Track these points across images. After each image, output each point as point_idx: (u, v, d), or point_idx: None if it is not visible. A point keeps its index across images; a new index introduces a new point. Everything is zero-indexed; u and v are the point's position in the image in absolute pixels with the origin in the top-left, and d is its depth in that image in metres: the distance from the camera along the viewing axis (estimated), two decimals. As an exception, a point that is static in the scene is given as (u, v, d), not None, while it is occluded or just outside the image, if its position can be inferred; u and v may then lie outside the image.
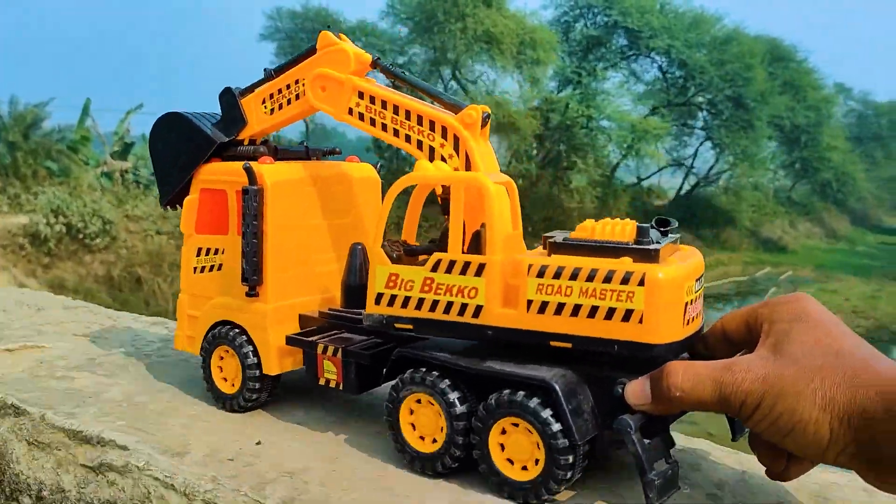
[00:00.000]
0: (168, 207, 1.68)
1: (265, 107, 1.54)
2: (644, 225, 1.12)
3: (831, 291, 17.90)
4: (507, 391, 1.12)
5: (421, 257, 1.28)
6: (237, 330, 1.51)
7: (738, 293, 17.71)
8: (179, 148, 1.60)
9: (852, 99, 36.25)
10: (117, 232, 13.89)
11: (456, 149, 1.33)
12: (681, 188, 25.59)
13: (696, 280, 1.14)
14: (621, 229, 1.14)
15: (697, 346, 1.16)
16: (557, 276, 1.10)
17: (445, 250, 1.20)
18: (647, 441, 1.04)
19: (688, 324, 1.11)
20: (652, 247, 1.09)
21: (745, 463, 1.29)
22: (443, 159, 1.34)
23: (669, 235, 1.18)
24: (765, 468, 1.12)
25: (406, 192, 1.32)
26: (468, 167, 1.33)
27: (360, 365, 1.35)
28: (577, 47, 22.65)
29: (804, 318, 1.02)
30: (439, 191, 1.33)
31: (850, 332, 1.02)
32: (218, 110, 1.59)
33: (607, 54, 23.08)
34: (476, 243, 1.19)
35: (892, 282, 19.71)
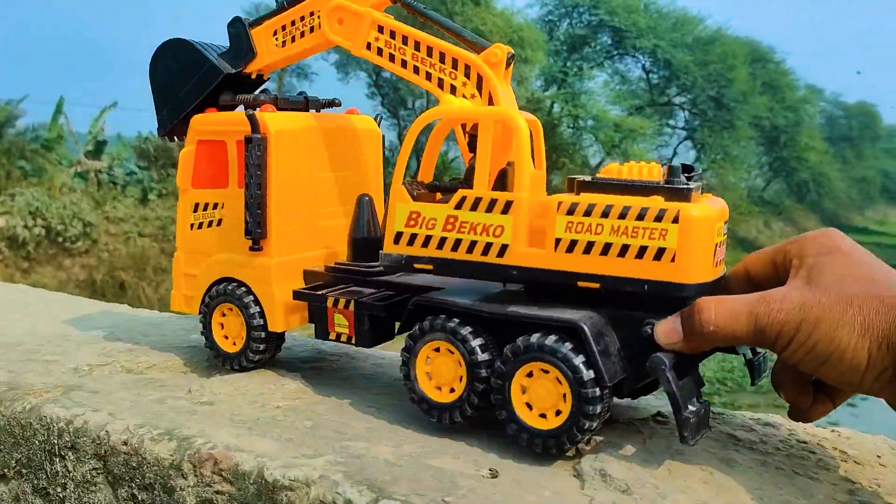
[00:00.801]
0: (166, 139, 1.61)
1: (276, 39, 1.48)
2: (675, 165, 1.10)
3: None
4: (536, 334, 1.08)
5: (439, 196, 1.24)
6: (240, 286, 1.45)
7: None
8: (183, 76, 1.52)
9: (823, 100, 36.90)
10: (98, 235, 13.52)
11: (479, 88, 1.29)
12: None
13: (724, 223, 1.12)
14: (649, 170, 1.12)
15: (720, 292, 1.14)
16: (588, 213, 1.06)
17: (470, 187, 1.16)
18: (680, 381, 1.02)
19: (716, 265, 1.09)
20: (684, 186, 1.06)
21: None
22: (464, 98, 1.30)
23: (694, 179, 1.15)
24: (788, 408, 1.11)
25: (424, 132, 1.27)
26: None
27: (374, 316, 1.30)
28: (561, 46, 22.64)
29: (835, 251, 1.01)
30: (462, 131, 1.29)
31: (880, 262, 1.00)
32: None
33: (592, 53, 23.16)
34: (502, 182, 1.16)
35: None
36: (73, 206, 13.39)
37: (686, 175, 1.13)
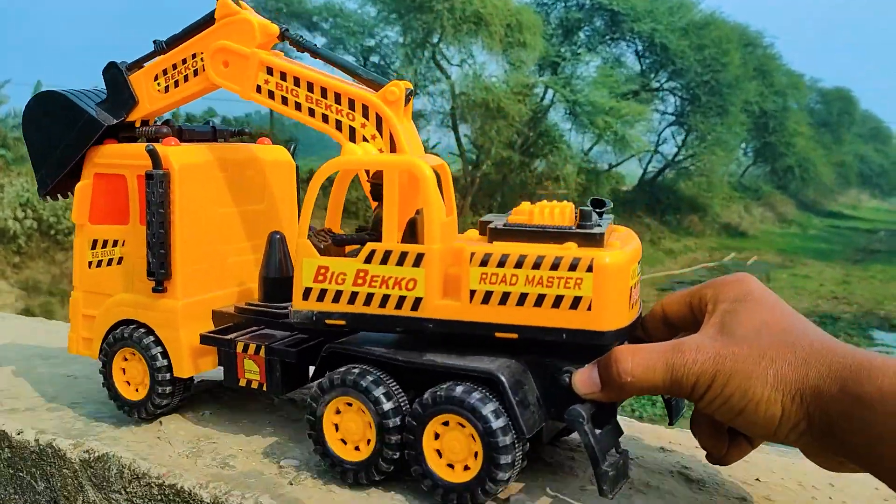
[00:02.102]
0: (48, 199, 1.51)
1: (158, 84, 1.39)
2: (585, 208, 1.08)
3: (804, 277, 18.57)
4: (443, 386, 1.06)
5: (348, 248, 1.20)
6: (143, 330, 1.38)
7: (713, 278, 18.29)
8: (59, 133, 1.42)
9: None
10: None
11: (379, 129, 1.25)
12: (644, 174, 25.85)
13: (637, 263, 1.12)
14: (560, 212, 1.10)
15: (637, 331, 1.14)
16: (502, 264, 1.04)
17: (378, 239, 1.12)
18: (598, 431, 1.01)
19: (632, 308, 1.09)
20: (596, 231, 1.05)
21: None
22: (365, 140, 1.26)
23: (605, 217, 1.15)
24: (705, 453, 1.12)
25: (328, 179, 1.23)
26: (393, 148, 1.25)
27: (286, 363, 1.25)
28: (556, 30, 22.24)
29: (748, 297, 1.02)
30: (366, 176, 1.25)
31: (792, 310, 1.02)
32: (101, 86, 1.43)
33: (588, 37, 22.91)
34: (412, 231, 1.12)
35: (854, 266, 20.77)
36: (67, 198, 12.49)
37: (597, 210, 1.12)
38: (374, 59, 21.30)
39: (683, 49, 22.32)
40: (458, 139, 19.72)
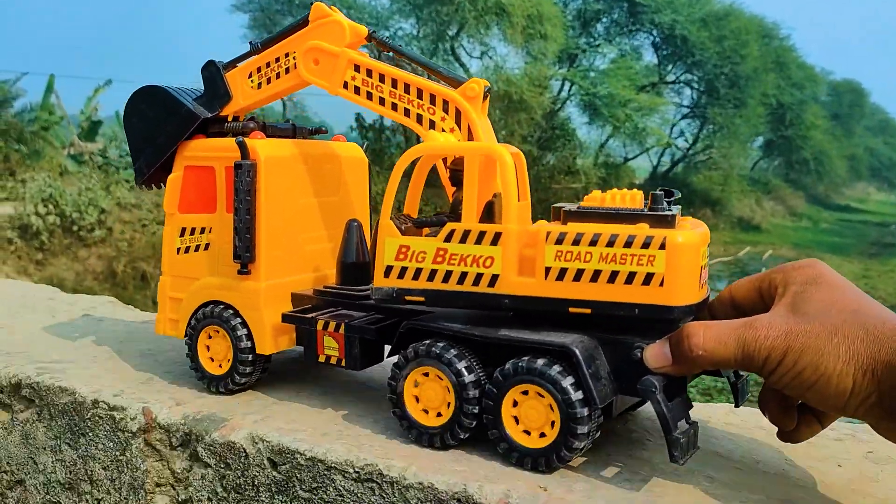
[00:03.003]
0: (144, 187, 1.62)
1: (252, 81, 1.49)
2: (657, 192, 1.14)
3: None
4: (525, 358, 1.12)
5: (426, 230, 1.27)
6: (228, 309, 1.46)
7: (732, 274, 17.70)
8: (159, 124, 1.53)
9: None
10: (113, 222, 12.51)
11: (458, 122, 1.32)
12: (656, 167, 25.44)
13: (707, 245, 1.17)
14: (631, 197, 1.16)
15: (704, 315, 1.18)
16: (577, 242, 1.10)
17: (457, 221, 1.19)
18: (669, 402, 1.05)
19: (702, 287, 1.13)
20: (668, 213, 1.10)
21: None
22: (443, 132, 1.33)
23: (674, 206, 1.20)
24: (776, 430, 1.15)
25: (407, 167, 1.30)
26: (470, 141, 1.32)
27: (364, 340, 1.32)
28: (574, 21, 21.87)
29: (819, 280, 1.05)
30: (444, 164, 1.32)
31: (863, 293, 1.05)
32: (199, 85, 1.54)
33: (607, 29, 22.44)
34: (489, 214, 1.19)
35: (871, 259, 20.18)
36: (89, 193, 12.32)
37: (666, 200, 1.18)
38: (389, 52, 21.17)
39: (703, 40, 21.86)
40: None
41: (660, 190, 1.19)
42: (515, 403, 1.13)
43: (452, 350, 1.17)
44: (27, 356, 1.68)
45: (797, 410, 1.13)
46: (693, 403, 1.15)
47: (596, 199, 1.18)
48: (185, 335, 1.51)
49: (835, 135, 32.42)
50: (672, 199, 1.19)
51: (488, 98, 1.36)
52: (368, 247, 1.43)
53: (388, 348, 1.32)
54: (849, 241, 24.51)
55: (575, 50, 21.00)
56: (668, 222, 1.09)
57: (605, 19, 22.84)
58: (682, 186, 24.14)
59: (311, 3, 1.46)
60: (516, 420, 1.13)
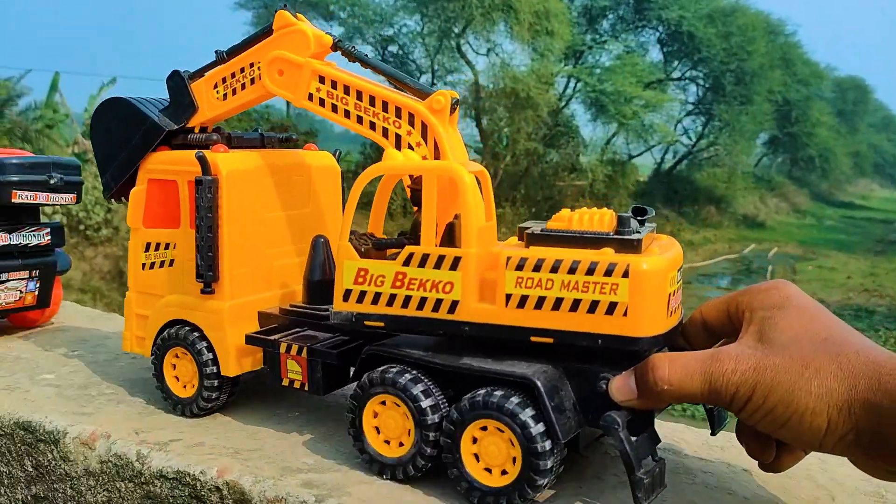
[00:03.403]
0: (113, 200, 1.58)
1: (217, 91, 1.44)
2: (624, 214, 1.08)
3: (830, 269, 17.94)
4: (481, 392, 1.07)
5: (389, 251, 1.22)
6: (192, 330, 1.42)
7: (738, 272, 17.56)
8: (124, 136, 1.49)
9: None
10: (119, 221, 12.48)
11: (424, 136, 1.27)
12: (660, 164, 25.24)
13: (678, 270, 1.11)
14: (599, 219, 1.10)
15: (677, 338, 1.13)
16: (537, 268, 1.05)
17: (417, 243, 1.14)
18: (634, 438, 1.01)
19: (670, 315, 1.08)
20: (633, 237, 1.05)
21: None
22: (410, 148, 1.28)
23: (647, 224, 1.14)
24: (756, 461, 1.10)
25: (372, 183, 1.25)
26: (437, 155, 1.27)
27: (327, 364, 1.28)
28: (580, 18, 21.69)
29: (787, 304, 1.00)
30: (408, 181, 1.27)
31: (834, 317, 0.99)
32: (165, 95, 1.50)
33: (613, 25, 22.27)
34: (450, 236, 1.14)
35: (878, 257, 20.03)
36: (95, 191, 12.02)
37: (639, 218, 1.12)
38: (393, 48, 20.84)
39: (710, 37, 21.58)
40: (481, 131, 19.36)
41: (632, 208, 1.14)
42: (475, 440, 1.08)
43: (407, 374, 1.12)
44: None
45: (775, 440, 1.08)
46: (660, 438, 1.10)
47: (563, 219, 1.12)
48: (151, 354, 1.47)
49: (839, 132, 32.13)
50: (644, 217, 1.14)
51: (457, 110, 1.31)
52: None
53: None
54: (854, 239, 24.32)
55: (581, 46, 20.77)
56: (633, 247, 1.04)
57: (611, 15, 22.59)
58: (686, 183, 23.94)
59: (276, 10, 1.40)
60: (476, 457, 1.08)
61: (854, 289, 15.65)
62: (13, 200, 1.75)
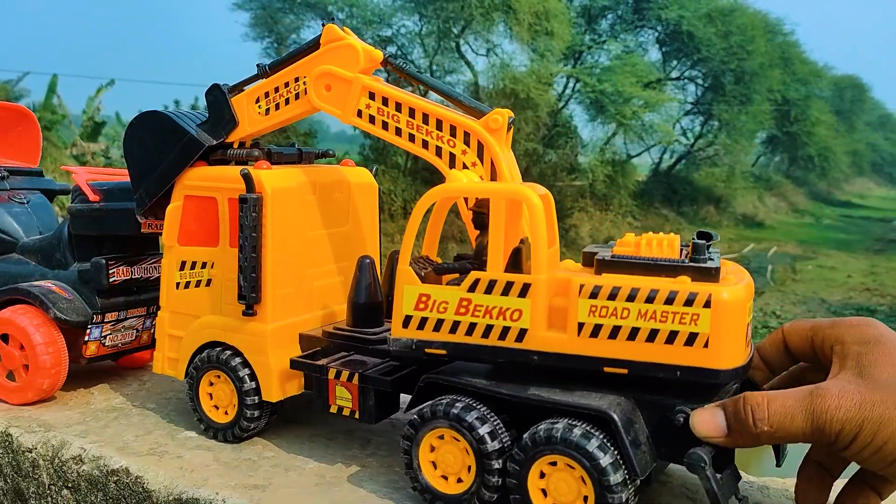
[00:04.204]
0: (145, 218, 1.52)
1: (259, 106, 1.40)
2: (698, 241, 1.05)
3: (830, 268, 17.84)
4: (543, 426, 1.02)
5: (447, 277, 1.18)
6: (231, 352, 1.37)
7: None
8: (160, 151, 1.43)
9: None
10: None
11: (480, 156, 1.23)
12: (658, 164, 25.27)
13: (752, 300, 1.08)
14: (668, 244, 1.07)
15: (754, 370, 1.10)
16: (613, 297, 1.01)
17: (481, 268, 1.10)
18: (719, 476, 0.97)
19: (747, 346, 1.04)
20: (711, 265, 1.01)
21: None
22: (465, 167, 1.24)
23: (713, 251, 1.11)
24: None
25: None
26: (493, 176, 1.23)
27: (380, 391, 1.23)
28: (579, 18, 21.58)
29: (881, 341, 0.97)
30: (465, 204, 1.22)
31: None
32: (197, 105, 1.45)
33: (612, 25, 22.33)
34: (515, 261, 1.09)
35: (877, 256, 20.04)
36: None
37: (707, 243, 1.09)
38: (391, 49, 20.95)
39: (709, 36, 21.32)
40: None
41: (697, 233, 1.10)
42: (543, 475, 1.03)
43: (474, 412, 1.08)
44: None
45: (850, 481, 1.05)
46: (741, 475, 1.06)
47: (630, 244, 1.08)
48: (186, 377, 1.42)
49: (838, 130, 32.09)
50: (710, 242, 1.10)
51: (511, 129, 1.27)
52: (381, 283, 1.34)
53: (404, 397, 1.23)
54: (853, 238, 24.41)
55: (580, 47, 20.78)
56: (711, 275, 1.00)
57: (610, 15, 22.59)
58: (685, 183, 23.96)
59: (324, 24, 1.36)
60: (544, 493, 1.03)
61: (855, 288, 15.70)
62: (143, 231, 1.54)
